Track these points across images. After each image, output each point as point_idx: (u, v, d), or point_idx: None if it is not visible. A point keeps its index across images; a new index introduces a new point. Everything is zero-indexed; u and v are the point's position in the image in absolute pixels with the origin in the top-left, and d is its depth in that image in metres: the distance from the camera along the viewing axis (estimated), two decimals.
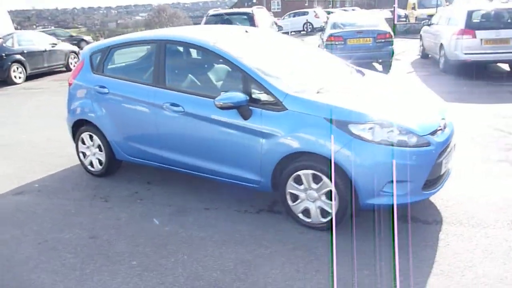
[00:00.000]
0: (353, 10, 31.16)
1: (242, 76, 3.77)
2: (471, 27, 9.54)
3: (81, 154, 5.11)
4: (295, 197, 3.64)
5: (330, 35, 10.72)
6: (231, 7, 39.50)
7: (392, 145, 3.28)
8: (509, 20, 9.69)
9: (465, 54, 9.48)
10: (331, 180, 3.38)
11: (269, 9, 41.06)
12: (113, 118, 4.62)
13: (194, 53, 4.65)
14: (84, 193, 4.62)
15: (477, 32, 9.37)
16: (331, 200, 3.45)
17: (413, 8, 26.26)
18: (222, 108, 3.66)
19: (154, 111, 4.22)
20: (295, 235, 3.57)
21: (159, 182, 4.76)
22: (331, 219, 3.50)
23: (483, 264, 3.05)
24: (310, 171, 3.48)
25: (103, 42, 5.08)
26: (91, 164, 5.03)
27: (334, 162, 3.33)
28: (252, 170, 3.78)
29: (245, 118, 3.66)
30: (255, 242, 3.49)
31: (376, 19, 11.87)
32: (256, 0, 51.37)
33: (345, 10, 32.73)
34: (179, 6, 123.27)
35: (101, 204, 4.34)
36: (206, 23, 12.18)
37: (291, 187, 3.62)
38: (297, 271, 3.08)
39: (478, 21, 9.88)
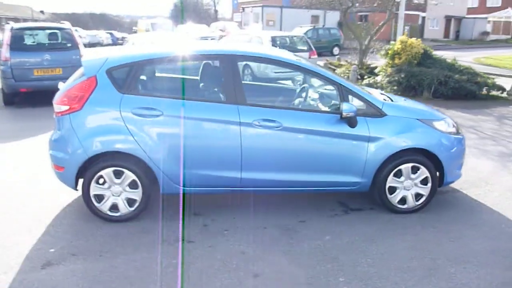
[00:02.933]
0: None
1: (338, 89, 4.08)
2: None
3: (93, 199, 3.95)
4: (393, 190, 4.24)
5: None
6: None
7: (454, 134, 4.40)
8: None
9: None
10: (428, 169, 4.20)
11: None
12: (168, 145, 3.87)
13: (267, 68, 4.42)
14: (144, 240, 3.70)
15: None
16: (425, 185, 4.26)
17: (147, 30, 27.59)
18: (345, 118, 3.90)
19: (239, 130, 3.89)
20: None
21: (219, 211, 4.28)
22: (423, 202, 4.30)
23: None
24: (410, 164, 4.18)
25: (127, 54, 4.10)
26: (114, 207, 3.98)
27: (431, 152, 4.17)
28: (355, 173, 4.14)
29: (353, 126, 4.01)
30: (378, 236, 3.93)
31: None
32: None
33: None
34: None
35: (188, 245, 3.65)
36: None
37: (391, 181, 4.20)
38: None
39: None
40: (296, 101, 4.42)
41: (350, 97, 4.10)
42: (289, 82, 4.61)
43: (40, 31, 10.43)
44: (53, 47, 9.91)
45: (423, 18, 41.51)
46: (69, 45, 10.04)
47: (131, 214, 4.02)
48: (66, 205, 4.39)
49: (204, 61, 4.39)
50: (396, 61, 11.94)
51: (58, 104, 3.94)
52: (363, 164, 4.11)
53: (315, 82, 4.33)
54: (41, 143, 6.58)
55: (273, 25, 29.05)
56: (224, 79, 3.98)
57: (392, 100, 4.46)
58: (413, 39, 12.11)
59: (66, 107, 3.87)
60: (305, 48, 12.19)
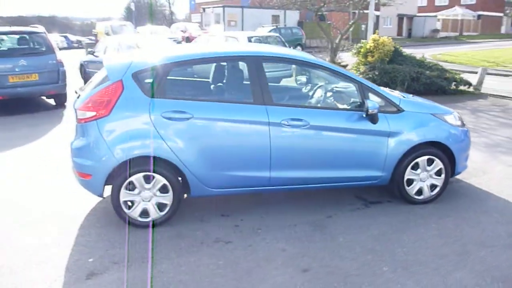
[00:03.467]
0: None
1: (358, 87, 4.24)
2: None
3: (123, 205, 3.89)
4: (410, 182, 4.45)
5: None
6: None
7: (461, 127, 4.67)
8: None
9: None
10: (441, 160, 4.44)
11: None
12: (198, 148, 3.88)
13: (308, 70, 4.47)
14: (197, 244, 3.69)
15: None
16: (439, 176, 4.49)
17: (107, 33, 26.85)
18: (370, 115, 4.05)
19: (268, 130, 3.96)
20: None
21: (244, 211, 4.32)
22: (437, 192, 4.54)
23: None
24: (426, 157, 4.40)
25: (152, 58, 4.05)
26: (145, 213, 3.94)
27: (444, 145, 4.41)
28: (376, 168, 4.31)
29: (375, 122, 4.18)
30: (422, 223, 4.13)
31: None
32: None
33: None
34: None
35: (228, 246, 3.68)
36: None
37: (409, 174, 4.41)
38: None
39: None
40: (319, 100, 4.54)
41: (369, 94, 4.27)
42: (291, 80, 4.72)
43: (13, 36, 9.98)
44: (28, 52, 9.51)
45: (377, 17, 42.88)
46: (44, 49, 9.67)
47: (161, 218, 3.99)
48: (87, 214, 4.30)
49: (230, 63, 4.41)
50: (369, 59, 12.34)
51: (82, 110, 3.85)
52: (384, 158, 4.29)
53: (334, 80, 4.46)
54: (31, 151, 6.38)
55: (235, 25, 29.15)
56: (251, 80, 4.03)
57: (404, 97, 4.67)
58: (385, 38, 12.57)
59: (92, 113, 3.80)
60: (280, 46, 12.37)
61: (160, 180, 3.90)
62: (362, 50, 12.68)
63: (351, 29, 15.64)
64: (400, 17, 45.14)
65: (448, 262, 3.46)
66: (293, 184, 4.23)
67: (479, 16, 49.65)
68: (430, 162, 4.44)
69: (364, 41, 13.41)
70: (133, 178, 3.85)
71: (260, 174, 4.08)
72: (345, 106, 4.32)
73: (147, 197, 3.92)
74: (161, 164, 3.88)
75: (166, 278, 3.23)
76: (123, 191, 3.86)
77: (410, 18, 45.82)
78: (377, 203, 4.57)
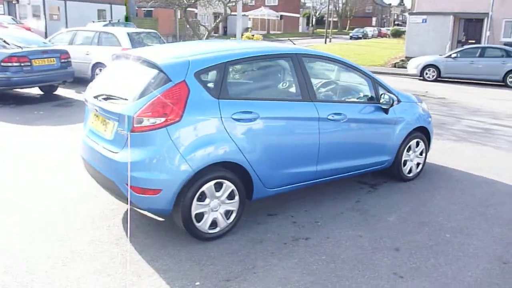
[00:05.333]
0: None
1: (372, 82, 4.71)
2: None
3: (194, 219, 3.53)
4: (405, 162, 5.16)
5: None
6: None
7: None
8: None
9: None
10: (423, 142, 5.28)
11: None
12: (263, 147, 3.76)
13: (318, 65, 4.48)
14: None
15: None
16: (421, 155, 5.34)
17: None
18: (391, 107, 4.57)
19: (318, 125, 4.10)
20: None
21: (285, 208, 4.32)
22: (421, 169, 5.37)
23: None
24: (415, 140, 5.18)
25: (210, 56, 3.71)
26: (214, 224, 3.64)
27: (425, 128, 5.27)
28: (386, 153, 4.88)
29: (387, 113, 4.73)
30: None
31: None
32: None
33: None
34: None
35: (309, 242, 3.73)
36: None
37: (405, 156, 5.12)
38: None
39: None
40: (347, 95, 4.84)
41: (379, 88, 4.77)
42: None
43: None
44: None
45: (196, 14, 44.05)
46: None
47: (228, 227, 3.76)
48: (140, 236, 3.71)
49: (276, 60, 4.31)
50: None
51: (144, 117, 3.33)
52: (392, 143, 4.88)
53: (354, 77, 4.82)
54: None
55: (58, 19, 26.19)
56: (297, 77, 4.09)
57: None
58: (258, 35, 13.31)
59: (160, 119, 3.33)
60: (158, 42, 11.88)
61: (229, 186, 3.66)
62: None
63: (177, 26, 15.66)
64: (216, 16, 47.23)
65: (474, 222, 4.23)
66: (331, 175, 4.46)
67: (281, 17, 55.57)
68: (417, 144, 5.22)
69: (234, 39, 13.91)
70: (205, 188, 3.53)
71: (310, 169, 4.19)
72: (364, 100, 4.73)
73: (216, 206, 3.64)
74: (231, 169, 3.65)
75: (294, 284, 3.14)
76: (195, 203, 3.50)
77: (226, 17, 48.30)
78: (379, 185, 5.14)
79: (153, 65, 3.57)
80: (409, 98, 5.32)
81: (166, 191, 3.39)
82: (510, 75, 14.91)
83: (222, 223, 3.70)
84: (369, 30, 56.65)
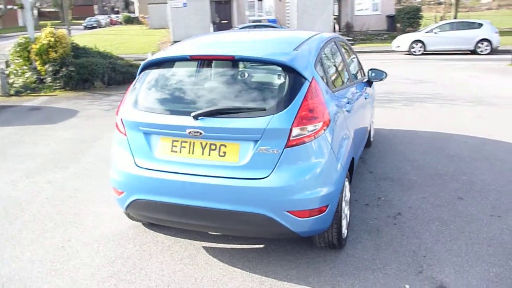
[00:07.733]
0: None
1: (359, 65, 4.95)
2: None
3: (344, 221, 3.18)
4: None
5: None
6: None
7: None
8: None
9: None
10: None
11: None
12: (354, 133, 3.60)
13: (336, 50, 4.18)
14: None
15: None
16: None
17: None
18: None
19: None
20: None
21: None
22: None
23: None
24: None
25: (311, 46, 3.24)
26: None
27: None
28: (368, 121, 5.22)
29: (370, 86, 5.10)
30: None
31: None
32: None
33: None
34: None
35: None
36: None
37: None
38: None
39: None
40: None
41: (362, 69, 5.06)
42: None
43: None
44: None
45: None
46: None
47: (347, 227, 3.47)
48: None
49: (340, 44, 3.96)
50: (52, 55, 10.80)
51: (301, 126, 2.72)
52: (370, 115, 5.26)
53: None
54: None
55: None
56: (344, 61, 4.00)
57: None
58: (62, 30, 11.26)
59: (317, 125, 2.78)
60: None
61: (346, 185, 3.36)
62: (35, 47, 10.80)
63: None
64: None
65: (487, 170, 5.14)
66: None
67: None
68: None
69: (24, 37, 11.35)
70: (346, 190, 3.17)
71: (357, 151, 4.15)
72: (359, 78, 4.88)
73: (346, 208, 3.32)
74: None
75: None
76: (343, 209, 3.12)
77: None
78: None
79: (275, 64, 2.91)
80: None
81: (331, 206, 2.90)
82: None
83: (345, 225, 3.38)
84: (101, 19, 54.29)
